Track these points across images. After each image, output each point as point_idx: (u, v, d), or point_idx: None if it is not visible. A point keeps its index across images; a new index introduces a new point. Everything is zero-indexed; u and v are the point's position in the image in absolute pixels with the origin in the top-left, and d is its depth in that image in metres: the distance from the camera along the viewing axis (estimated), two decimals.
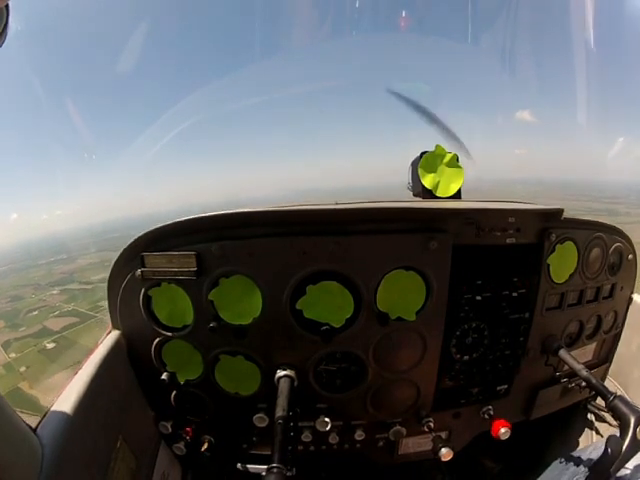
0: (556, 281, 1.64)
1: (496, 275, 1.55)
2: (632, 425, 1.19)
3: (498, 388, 1.74)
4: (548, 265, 1.60)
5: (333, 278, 1.38)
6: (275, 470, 0.99)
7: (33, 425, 1.06)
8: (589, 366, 1.94)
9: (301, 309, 1.40)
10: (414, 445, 1.77)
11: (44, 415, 1.12)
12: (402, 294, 1.43)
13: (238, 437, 1.68)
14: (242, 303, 1.40)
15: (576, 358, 1.59)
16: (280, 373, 1.44)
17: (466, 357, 1.62)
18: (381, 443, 1.72)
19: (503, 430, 1.59)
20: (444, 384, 1.64)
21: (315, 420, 1.54)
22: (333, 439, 1.64)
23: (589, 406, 2.01)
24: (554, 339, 1.70)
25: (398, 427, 1.65)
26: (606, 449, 1.16)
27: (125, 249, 1.39)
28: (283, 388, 1.36)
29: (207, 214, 1.34)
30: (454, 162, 2.10)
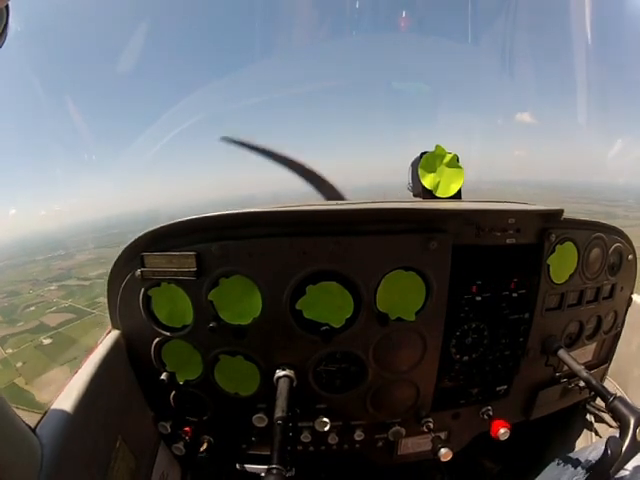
0: (556, 281, 1.64)
1: (496, 275, 1.55)
2: (632, 426, 1.19)
3: (498, 388, 1.74)
4: (548, 265, 1.60)
5: (333, 278, 1.38)
6: (274, 471, 0.99)
7: (32, 424, 1.06)
8: (589, 366, 1.94)
9: (301, 309, 1.39)
10: (413, 445, 1.77)
11: (44, 415, 1.12)
12: (402, 294, 1.43)
13: (237, 437, 1.68)
14: (242, 303, 1.40)
15: (576, 359, 1.59)
16: (279, 373, 1.44)
17: (466, 357, 1.62)
18: (380, 443, 1.72)
19: (502, 430, 1.60)
20: (444, 384, 1.64)
21: (314, 420, 1.54)
22: (332, 439, 1.63)
23: (588, 407, 2.02)
24: (554, 339, 1.70)
25: (397, 427, 1.65)
26: (606, 450, 1.16)
27: (125, 249, 1.39)
28: (282, 388, 1.36)
29: (207, 214, 1.33)
30: (454, 162, 2.10)
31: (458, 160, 2.10)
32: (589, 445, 1.54)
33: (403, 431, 1.65)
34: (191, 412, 1.64)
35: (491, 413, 1.72)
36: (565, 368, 1.79)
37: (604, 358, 2.05)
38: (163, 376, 1.49)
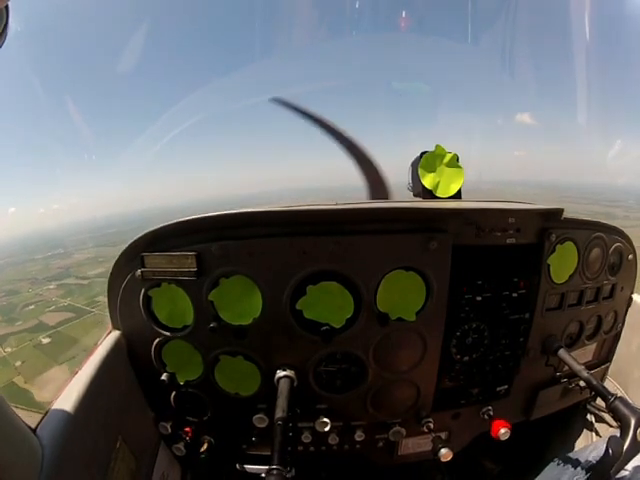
0: (556, 281, 1.64)
1: (496, 275, 1.55)
2: (633, 426, 1.19)
3: (498, 389, 1.74)
4: (548, 265, 1.60)
5: (333, 278, 1.38)
6: (275, 472, 0.99)
7: (33, 425, 1.06)
8: (589, 366, 1.94)
9: (301, 309, 1.39)
10: (414, 446, 1.77)
11: (44, 415, 1.12)
12: (402, 294, 1.43)
13: (238, 437, 1.68)
14: (242, 303, 1.40)
15: (576, 359, 1.59)
16: (280, 373, 1.44)
17: (466, 357, 1.61)
18: (381, 444, 1.72)
19: (503, 431, 1.59)
20: (444, 384, 1.64)
21: (315, 421, 1.54)
22: (333, 440, 1.63)
23: (589, 407, 2.02)
24: (554, 339, 1.70)
25: (398, 428, 1.65)
26: (607, 450, 1.16)
27: (125, 249, 1.38)
28: (283, 389, 1.36)
29: (207, 214, 1.33)
30: (454, 162, 2.09)
31: (458, 160, 2.09)
32: (589, 445, 1.54)
33: (403, 431, 1.65)
34: (191, 412, 1.64)
35: (491, 413, 1.72)
36: (565, 368, 1.79)
37: (604, 358, 2.05)
38: (163, 376, 1.49)
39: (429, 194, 2.09)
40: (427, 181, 2.09)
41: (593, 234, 1.71)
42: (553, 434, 2.21)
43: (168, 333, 1.45)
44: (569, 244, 1.63)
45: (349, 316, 1.41)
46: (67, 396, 1.17)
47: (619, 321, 1.97)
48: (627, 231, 1.86)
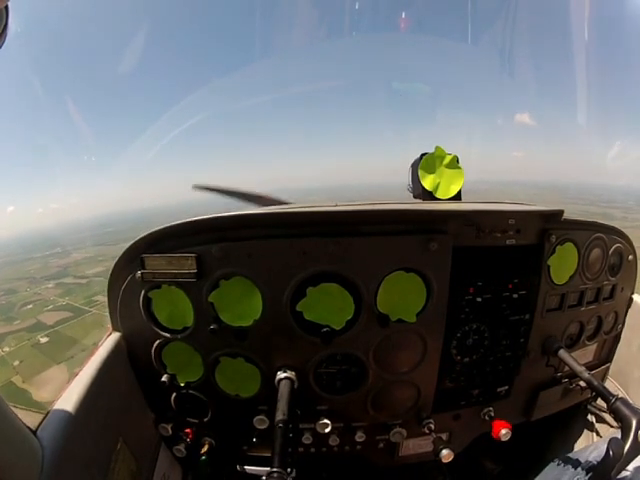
0: (556, 282, 1.64)
1: (496, 276, 1.55)
2: (634, 427, 1.18)
3: (498, 389, 1.74)
4: (548, 266, 1.60)
5: (333, 280, 1.37)
6: (275, 475, 0.99)
7: (33, 426, 1.06)
8: (589, 367, 1.94)
9: (301, 311, 1.39)
10: (415, 447, 1.77)
11: (44, 416, 1.12)
12: (402, 296, 1.43)
13: (238, 439, 1.67)
14: (242, 305, 1.39)
15: (577, 359, 1.59)
16: (280, 375, 1.44)
17: (466, 358, 1.61)
18: (382, 445, 1.72)
19: (504, 431, 1.59)
20: (444, 385, 1.64)
21: (315, 422, 1.54)
22: (333, 441, 1.63)
23: (589, 407, 2.02)
24: (554, 340, 1.70)
25: (398, 429, 1.64)
26: (607, 451, 1.15)
27: (125, 251, 1.38)
28: (283, 390, 1.36)
29: (207, 216, 1.33)
30: (454, 163, 2.10)
31: (458, 161, 2.09)
32: (590, 445, 1.54)
33: (404, 432, 1.65)
34: (192, 414, 1.64)
35: (492, 414, 1.72)
36: (566, 369, 1.80)
37: (605, 359, 2.05)
38: (164, 378, 1.49)
39: (429, 195, 2.09)
40: (427, 182, 2.09)
41: (593, 235, 1.71)
42: (554, 435, 2.21)
43: (168, 335, 1.45)
44: (569, 245, 1.63)
45: (349, 317, 1.41)
46: (67, 397, 1.17)
47: (619, 322, 1.97)
48: (626, 232, 1.87)
